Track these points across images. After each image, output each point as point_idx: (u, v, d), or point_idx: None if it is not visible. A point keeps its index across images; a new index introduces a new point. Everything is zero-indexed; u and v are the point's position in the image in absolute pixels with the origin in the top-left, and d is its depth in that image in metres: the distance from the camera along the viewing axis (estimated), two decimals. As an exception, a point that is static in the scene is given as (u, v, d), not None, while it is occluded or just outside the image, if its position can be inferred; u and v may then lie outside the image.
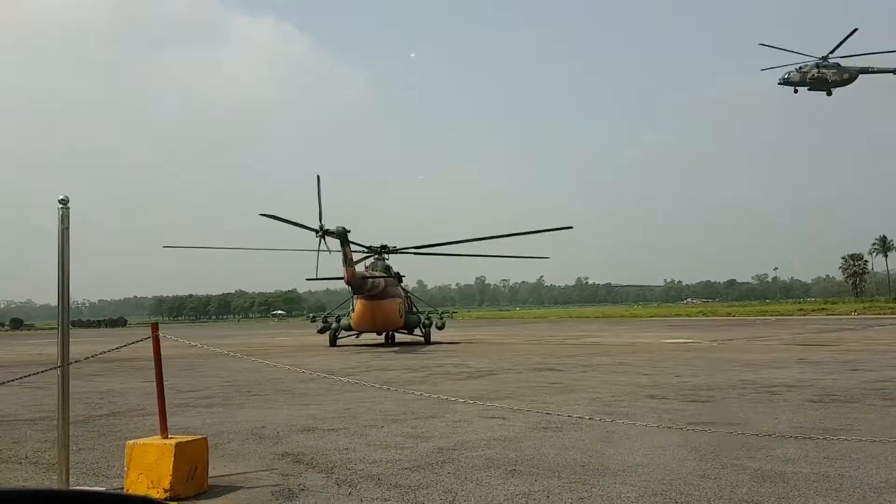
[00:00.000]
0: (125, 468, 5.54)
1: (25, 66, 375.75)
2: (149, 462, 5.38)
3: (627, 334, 38.30)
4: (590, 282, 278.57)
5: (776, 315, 73.73)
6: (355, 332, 31.85)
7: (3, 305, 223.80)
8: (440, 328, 34.50)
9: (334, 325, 33.31)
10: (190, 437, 5.67)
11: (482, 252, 40.80)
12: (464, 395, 11.82)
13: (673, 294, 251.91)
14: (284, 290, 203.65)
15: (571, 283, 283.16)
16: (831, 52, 47.00)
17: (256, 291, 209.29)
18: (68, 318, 5.86)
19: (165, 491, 5.27)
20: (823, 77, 47.01)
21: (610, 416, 8.77)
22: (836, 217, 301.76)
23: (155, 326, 5.93)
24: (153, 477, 5.33)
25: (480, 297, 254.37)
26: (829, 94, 48.13)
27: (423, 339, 32.26)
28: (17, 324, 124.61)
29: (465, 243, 34.21)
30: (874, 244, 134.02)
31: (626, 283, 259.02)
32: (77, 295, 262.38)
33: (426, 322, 33.29)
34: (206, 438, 5.86)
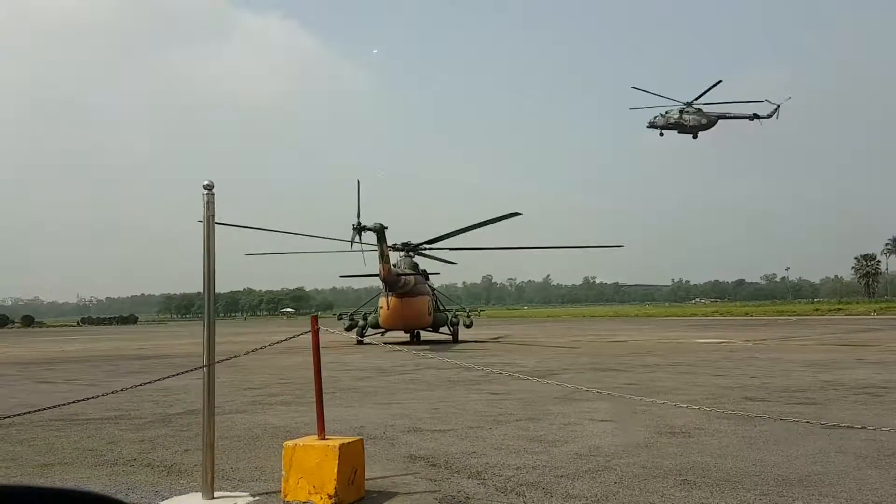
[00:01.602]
0: (283, 472, 5.14)
1: (24, 62, 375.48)
2: (311, 465, 4.98)
3: (653, 333, 37.83)
4: (597, 281, 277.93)
5: (794, 315, 73.15)
6: (382, 330, 31.49)
7: (10, 303, 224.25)
8: (468, 327, 34.09)
9: (361, 322, 32.97)
10: (349, 439, 5.28)
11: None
12: (546, 396, 11.44)
13: (681, 294, 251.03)
14: (291, 287, 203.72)
15: (578, 282, 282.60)
16: (696, 98, 49.47)
17: (264, 289, 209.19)
18: (214, 312, 5.48)
19: (329, 497, 4.88)
20: (684, 122, 49.56)
21: (728, 421, 8.36)
22: (842, 217, 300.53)
23: (314, 319, 5.54)
24: (315, 481, 4.94)
25: (487, 296, 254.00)
26: (695, 136, 50.65)
27: (450, 337, 31.85)
28: (28, 321, 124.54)
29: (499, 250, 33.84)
30: (887, 244, 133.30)
31: (633, 283, 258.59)
32: (84, 292, 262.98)
33: (454, 320, 32.91)
34: (362, 440, 5.47)
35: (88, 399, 7.92)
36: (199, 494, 5.35)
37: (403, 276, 28.61)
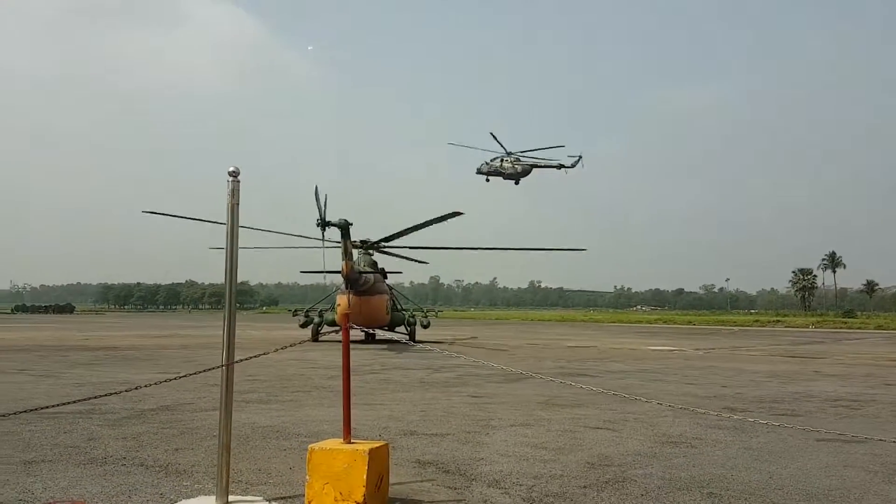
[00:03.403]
0: (306, 476, 4.88)
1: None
2: (337, 470, 4.73)
3: (605, 339, 38.28)
4: (542, 285, 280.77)
5: (736, 326, 74.97)
6: (337, 328, 31.05)
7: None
8: (425, 327, 33.97)
9: (317, 319, 32.56)
10: (377, 443, 5.04)
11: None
12: (529, 401, 11.34)
13: (623, 301, 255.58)
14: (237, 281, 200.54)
15: (524, 285, 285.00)
16: (521, 152, 56.08)
17: (207, 282, 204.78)
18: (234, 304, 5.18)
19: (357, 505, 4.65)
20: (503, 170, 55.43)
21: (722, 431, 8.39)
22: (778, 232, 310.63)
23: (345, 318, 5.29)
24: (342, 487, 4.69)
25: (434, 297, 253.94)
26: (517, 182, 56.22)
27: (406, 337, 31.64)
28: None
29: (456, 250, 33.74)
30: (823, 259, 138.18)
31: (577, 288, 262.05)
32: (18, 278, 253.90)
33: (411, 320, 32.76)
34: (387, 445, 5.24)
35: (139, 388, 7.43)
36: (212, 498, 5.05)
37: (364, 275, 28.29)
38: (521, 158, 55.30)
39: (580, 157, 54.76)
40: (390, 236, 31.50)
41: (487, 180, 56.34)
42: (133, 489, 5.43)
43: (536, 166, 55.66)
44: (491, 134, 54.09)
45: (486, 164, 55.70)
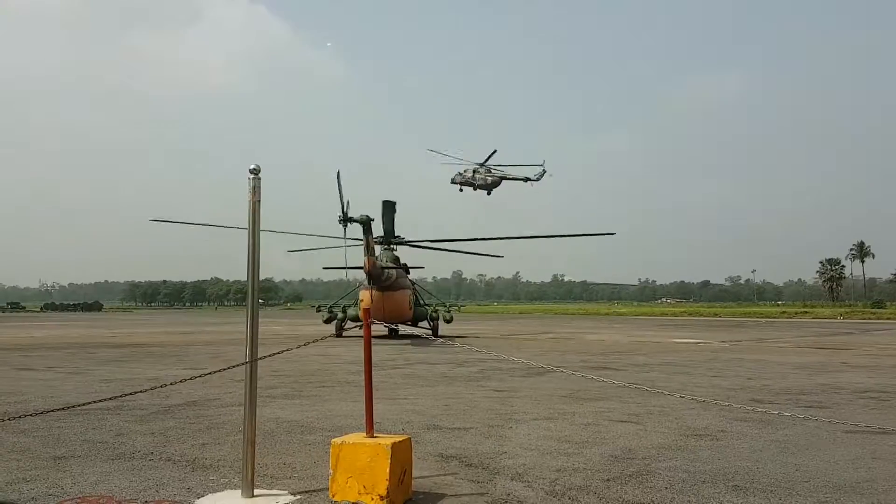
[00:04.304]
0: (330, 470, 4.92)
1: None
2: (360, 464, 4.76)
3: (629, 333, 38.07)
4: (565, 279, 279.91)
5: (762, 317, 74.24)
6: (360, 324, 31.17)
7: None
8: (448, 322, 34.02)
9: (340, 315, 32.76)
10: (399, 437, 5.07)
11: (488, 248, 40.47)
12: (552, 395, 11.32)
13: (647, 293, 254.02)
14: (260, 278, 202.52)
15: (547, 279, 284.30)
16: (496, 166, 57.18)
17: (232, 279, 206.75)
18: (257, 301, 5.23)
19: (381, 498, 4.67)
20: (474, 181, 56.65)
21: (747, 424, 8.32)
22: (806, 222, 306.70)
23: (366, 314, 5.32)
24: (365, 481, 4.73)
25: (457, 292, 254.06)
26: (489, 193, 57.52)
27: (430, 332, 31.69)
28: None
29: (476, 242, 33.95)
30: (852, 249, 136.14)
31: (601, 282, 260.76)
32: (46, 277, 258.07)
33: (433, 315, 32.83)
34: (409, 438, 5.26)
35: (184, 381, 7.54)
36: (238, 492, 5.11)
37: (387, 270, 28.39)
38: (492, 170, 56.62)
39: (544, 170, 56.37)
40: (511, 237, 33.92)
41: (461, 190, 57.47)
42: (160, 484, 5.50)
43: (505, 178, 57.07)
44: (494, 150, 55.73)
45: (460, 174, 56.90)
